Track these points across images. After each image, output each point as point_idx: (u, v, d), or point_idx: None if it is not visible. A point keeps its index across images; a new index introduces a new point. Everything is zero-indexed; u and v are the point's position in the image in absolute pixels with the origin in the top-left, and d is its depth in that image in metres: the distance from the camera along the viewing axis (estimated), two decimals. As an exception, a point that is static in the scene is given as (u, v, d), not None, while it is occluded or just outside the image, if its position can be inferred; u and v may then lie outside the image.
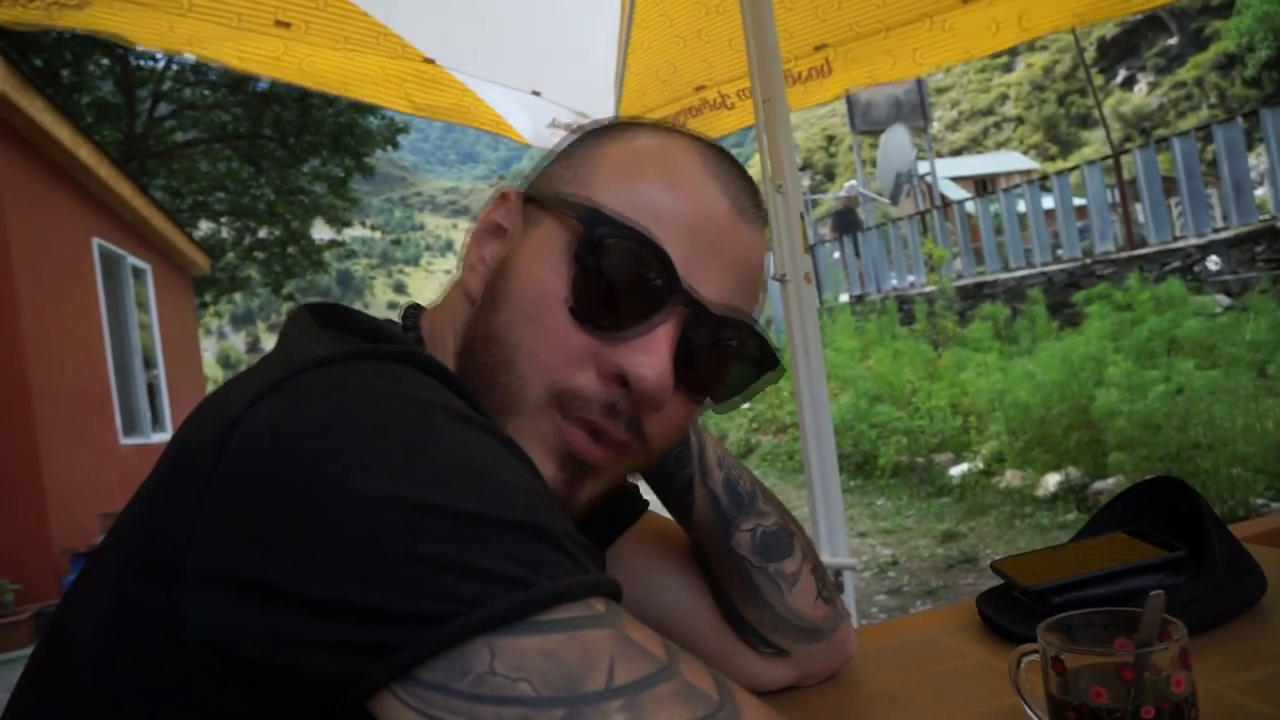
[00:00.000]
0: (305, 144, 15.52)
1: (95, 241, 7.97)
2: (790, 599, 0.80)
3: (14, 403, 5.94)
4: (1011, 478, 6.18)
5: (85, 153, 7.20)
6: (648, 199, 0.61)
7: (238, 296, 19.41)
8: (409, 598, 0.42)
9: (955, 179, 26.87)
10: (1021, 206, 12.30)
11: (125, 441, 8.10)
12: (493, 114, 2.68)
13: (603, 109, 2.87)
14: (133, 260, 9.09)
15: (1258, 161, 13.86)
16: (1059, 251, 11.74)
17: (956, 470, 6.72)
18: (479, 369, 0.61)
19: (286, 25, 2.03)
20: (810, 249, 1.97)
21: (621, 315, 0.59)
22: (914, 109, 19.23)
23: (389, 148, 16.87)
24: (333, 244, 18.43)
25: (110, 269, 8.38)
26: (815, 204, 26.47)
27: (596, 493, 0.63)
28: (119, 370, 8.16)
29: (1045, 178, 14.63)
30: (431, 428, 0.48)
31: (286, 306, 20.29)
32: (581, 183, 0.63)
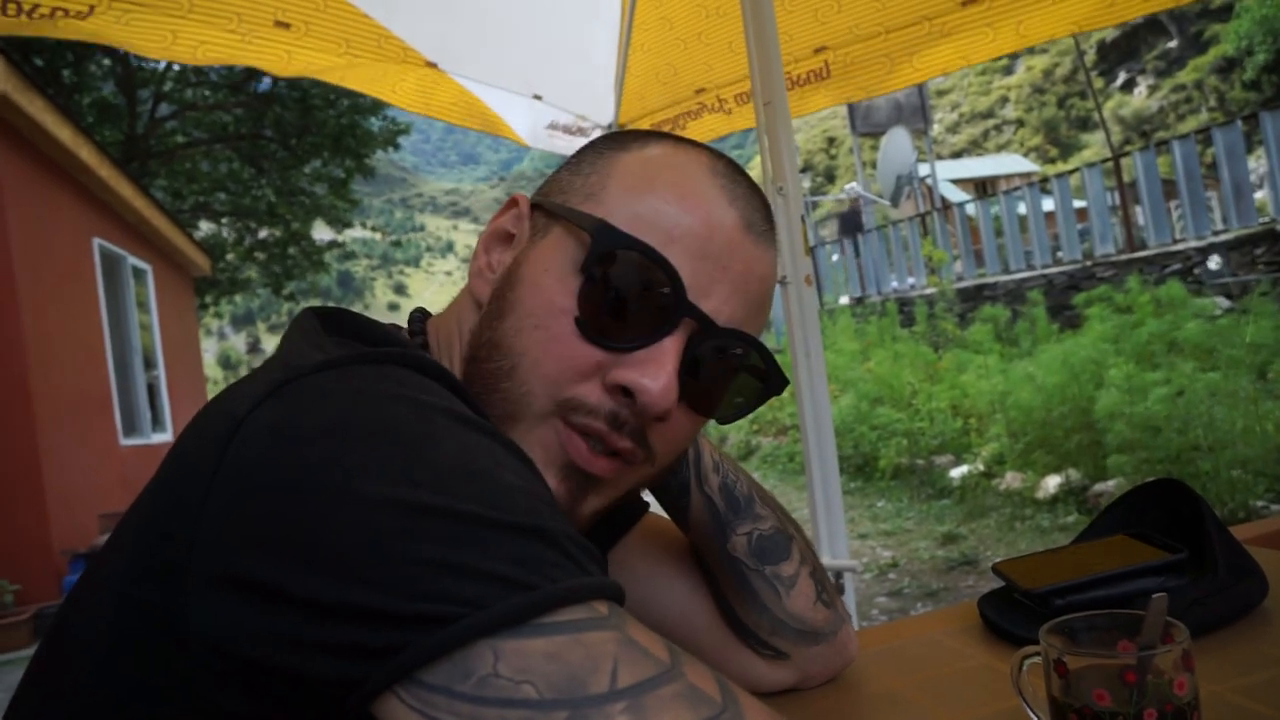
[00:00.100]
0: (306, 145, 15.54)
1: (96, 242, 7.98)
2: (788, 602, 0.80)
3: (14, 403, 5.94)
4: (1012, 480, 6.18)
5: (86, 153, 7.20)
6: (658, 212, 0.61)
7: (238, 297, 19.41)
8: (410, 600, 0.42)
9: (955, 181, 26.91)
10: (1022, 209, 12.31)
11: (125, 442, 8.10)
12: (494, 116, 2.69)
13: (603, 112, 2.87)
14: (133, 261, 9.10)
15: (1257, 164, 13.88)
16: (1059, 254, 11.75)
17: (957, 472, 6.72)
18: (483, 375, 0.61)
19: (287, 26, 2.03)
20: (811, 251, 1.97)
21: (628, 329, 0.59)
22: (914, 111, 19.25)
23: (390, 149, 16.88)
24: (333, 245, 18.44)
25: (111, 269, 8.38)
26: (815, 206, 26.49)
27: (601, 505, 0.63)
28: (119, 371, 8.16)
29: (1045, 180, 14.64)
30: (432, 430, 0.48)
31: (287, 307, 20.33)
32: (592, 192, 0.63)
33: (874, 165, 18.59)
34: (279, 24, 2.00)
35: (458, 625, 0.41)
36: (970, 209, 14.02)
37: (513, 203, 0.68)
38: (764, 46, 1.93)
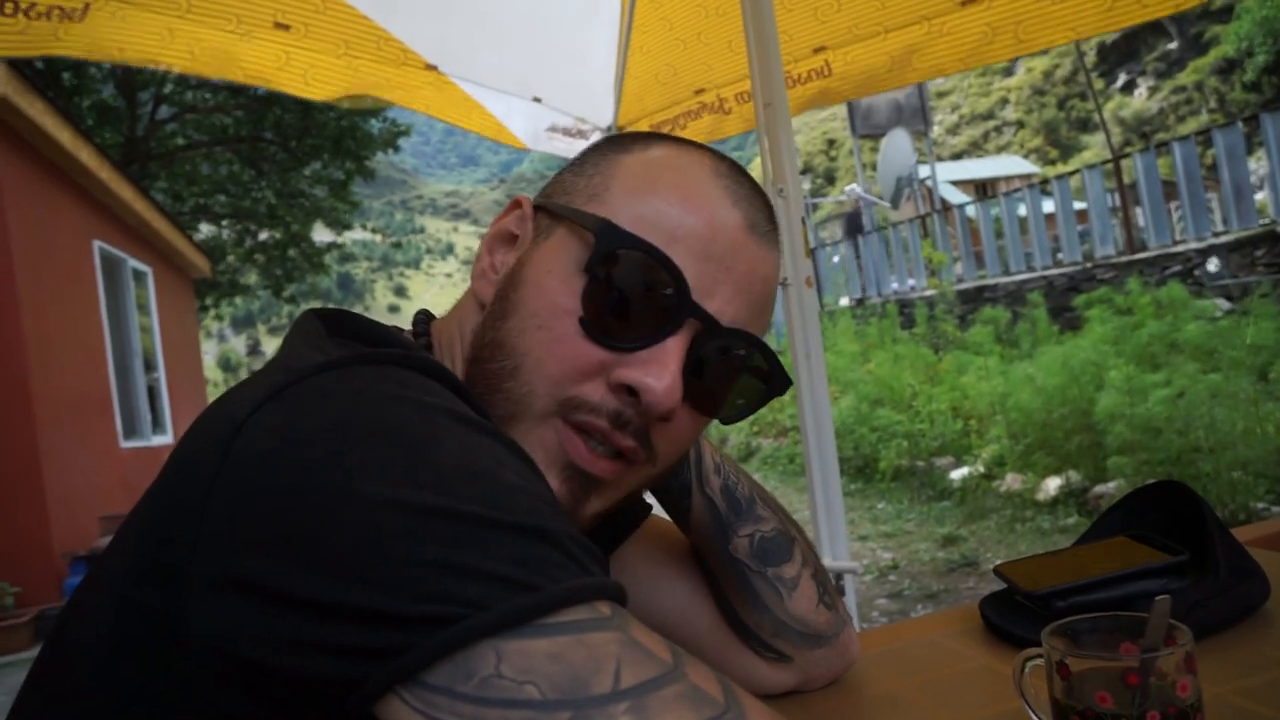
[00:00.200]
0: (306, 147, 15.55)
1: (96, 244, 7.98)
2: (791, 604, 0.80)
3: (14, 405, 5.94)
4: (1012, 481, 6.18)
5: (86, 155, 7.21)
6: (661, 213, 0.61)
7: (238, 299, 19.42)
8: (412, 601, 0.42)
9: (956, 183, 26.93)
10: (1022, 210, 12.32)
11: (125, 444, 8.10)
12: (493, 120, 2.69)
13: (602, 114, 2.87)
14: (133, 263, 9.10)
15: (1257, 166, 13.88)
16: (1059, 255, 11.76)
17: (957, 474, 6.72)
18: (486, 375, 0.61)
19: (286, 28, 2.03)
20: (811, 253, 1.97)
21: (631, 329, 0.59)
22: (914, 113, 19.26)
23: (389, 151, 16.90)
24: (333, 247, 18.45)
25: (111, 271, 8.39)
26: (815, 208, 26.51)
27: (603, 507, 0.63)
28: (119, 373, 8.17)
29: (1045, 182, 14.65)
30: (434, 431, 0.48)
31: (287, 309, 20.34)
32: (595, 193, 0.63)
33: (874, 167, 18.61)
34: (278, 25, 2.00)
35: (460, 626, 0.41)
36: (970, 211, 14.03)
37: (516, 204, 0.68)
38: (764, 47, 1.93)
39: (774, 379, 0.65)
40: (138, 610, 0.48)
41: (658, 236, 0.59)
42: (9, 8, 1.61)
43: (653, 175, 0.63)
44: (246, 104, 15.49)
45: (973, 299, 11.44)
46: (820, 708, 0.83)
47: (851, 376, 9.11)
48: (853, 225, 16.39)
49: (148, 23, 1.85)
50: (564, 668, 0.41)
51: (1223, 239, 9.00)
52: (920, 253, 13.49)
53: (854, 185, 18.82)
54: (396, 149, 17.01)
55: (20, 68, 6.02)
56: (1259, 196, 11.55)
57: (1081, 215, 11.47)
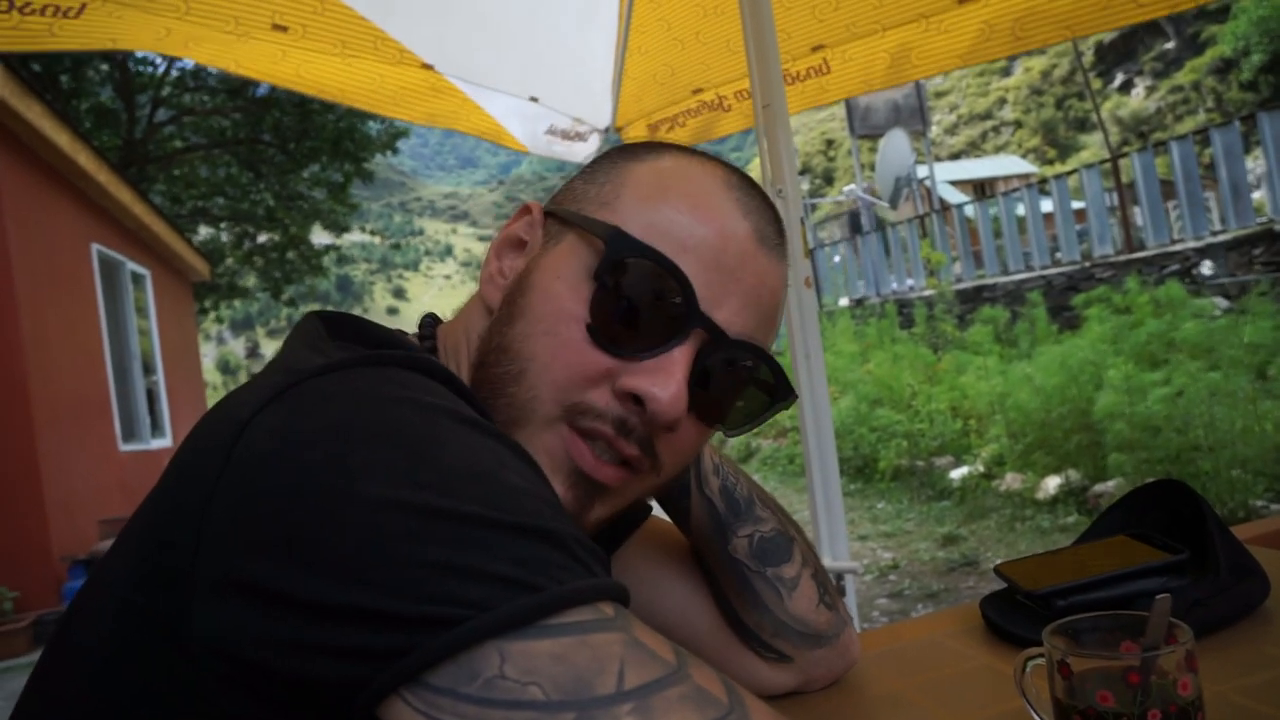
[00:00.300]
0: (304, 149, 15.55)
1: (94, 247, 7.98)
2: (791, 604, 0.80)
3: (13, 409, 5.94)
4: (1012, 481, 6.18)
5: (84, 158, 7.20)
6: (671, 221, 0.61)
7: (237, 302, 19.42)
8: (415, 602, 0.42)
9: (954, 183, 26.95)
10: (1020, 210, 12.34)
11: (124, 448, 8.09)
12: (490, 120, 2.68)
13: (600, 114, 2.87)
14: (132, 266, 9.10)
15: (1255, 165, 13.90)
16: (1058, 255, 11.78)
17: (957, 473, 6.73)
18: (491, 380, 0.61)
19: (284, 29, 2.03)
20: (810, 253, 1.97)
21: (639, 337, 0.59)
22: (913, 113, 19.28)
23: (388, 153, 16.90)
24: (331, 249, 18.45)
25: (109, 274, 8.38)
26: (814, 208, 26.52)
27: (607, 514, 0.63)
28: (118, 376, 8.16)
29: (1044, 181, 14.67)
30: (437, 432, 0.48)
31: (286, 312, 20.34)
32: (605, 201, 0.63)
33: (872, 167, 18.62)
34: (276, 27, 2.00)
35: (463, 627, 0.41)
36: (969, 210, 14.05)
37: (525, 210, 0.68)
38: (763, 49, 1.93)
39: (779, 391, 0.65)
40: (139, 613, 0.48)
41: (668, 245, 0.59)
42: (3, 5, 1.61)
43: (664, 184, 0.63)
44: (245, 106, 15.49)
45: (971, 299, 11.45)
46: (821, 708, 0.83)
47: (851, 377, 9.12)
48: (856, 225, 16.43)
49: (146, 23, 1.85)
50: (568, 668, 0.41)
51: (1220, 238, 9.01)
52: (919, 253, 13.51)
53: (853, 185, 18.84)
54: (395, 151, 17.02)
55: (17, 70, 6.02)
56: (1256, 195, 11.56)
57: (1080, 215, 11.49)
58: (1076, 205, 11.82)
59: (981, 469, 6.57)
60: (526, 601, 0.42)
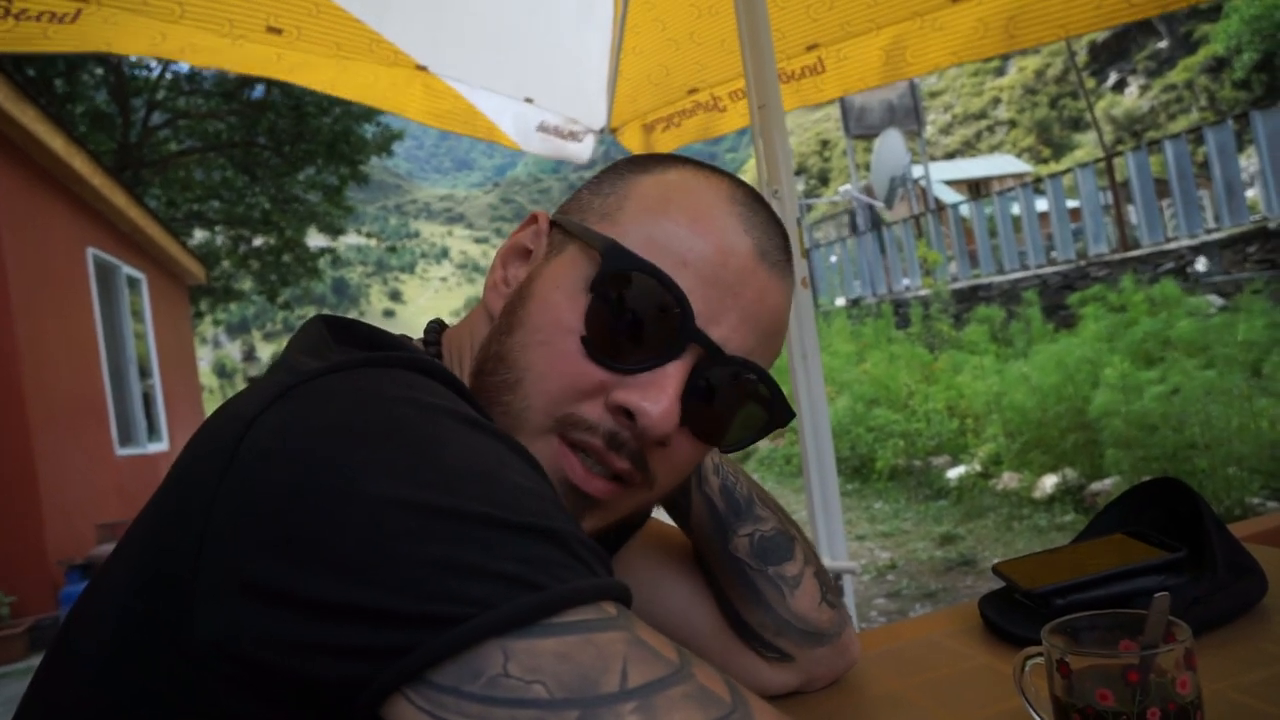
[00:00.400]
0: (300, 152, 15.54)
1: (90, 251, 7.96)
2: (793, 602, 0.80)
3: (9, 413, 5.92)
4: (1009, 480, 6.19)
5: (79, 162, 7.19)
6: (671, 235, 0.61)
7: (233, 305, 19.39)
8: (418, 600, 0.42)
9: (949, 182, 26.99)
10: (1015, 209, 12.36)
11: (121, 452, 8.07)
12: (486, 121, 2.68)
13: (595, 114, 2.87)
14: (128, 270, 9.08)
15: (1248, 163, 13.93)
16: (1053, 254, 11.80)
17: (954, 473, 6.73)
18: (487, 388, 0.61)
19: (279, 31, 2.03)
20: (806, 253, 1.98)
21: (633, 351, 0.59)
22: (907, 113, 19.30)
23: (383, 155, 16.89)
24: (327, 252, 18.43)
25: (105, 278, 8.36)
26: (809, 208, 26.54)
27: (598, 526, 0.63)
28: (114, 380, 8.14)
29: (1039, 180, 14.70)
30: (439, 431, 0.48)
31: (282, 315, 20.33)
32: (608, 213, 0.63)
33: (868, 167, 18.65)
34: (271, 29, 2.00)
35: (466, 625, 0.41)
36: (964, 210, 14.06)
37: (533, 219, 0.68)
38: (758, 49, 1.93)
39: (776, 410, 0.64)
40: (140, 616, 0.48)
41: (666, 259, 0.59)
42: None
43: (666, 197, 0.63)
44: (240, 109, 15.48)
45: (967, 298, 11.47)
46: (822, 708, 0.83)
47: (847, 377, 9.12)
48: (852, 225, 16.47)
49: (141, 28, 1.85)
50: (572, 667, 0.41)
51: (1215, 236, 9.03)
52: (915, 252, 13.53)
53: (848, 186, 18.86)
54: (390, 153, 17.01)
55: (12, 74, 6.01)
56: (1250, 193, 11.59)
57: (1075, 214, 11.51)
58: (1071, 204, 11.84)
59: (978, 468, 6.58)
60: (529, 600, 0.42)
